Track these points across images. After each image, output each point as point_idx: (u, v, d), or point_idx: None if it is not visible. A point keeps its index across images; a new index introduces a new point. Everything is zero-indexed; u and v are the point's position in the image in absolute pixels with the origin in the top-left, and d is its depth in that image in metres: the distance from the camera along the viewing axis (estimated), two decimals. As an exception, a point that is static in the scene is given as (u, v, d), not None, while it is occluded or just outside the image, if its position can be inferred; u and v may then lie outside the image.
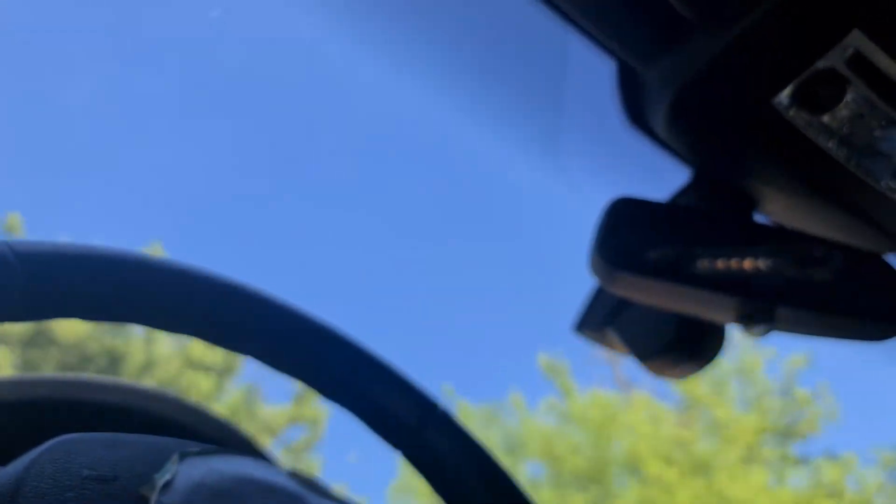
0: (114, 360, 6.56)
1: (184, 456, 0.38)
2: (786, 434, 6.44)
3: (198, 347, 6.55)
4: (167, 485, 0.36)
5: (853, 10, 0.42)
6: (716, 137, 0.50)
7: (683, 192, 0.55)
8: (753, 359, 6.48)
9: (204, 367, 6.84)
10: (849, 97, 0.45)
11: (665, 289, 0.48)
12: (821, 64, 0.44)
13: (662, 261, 0.47)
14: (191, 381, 6.68)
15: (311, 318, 0.49)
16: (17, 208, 6.47)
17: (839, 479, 6.19)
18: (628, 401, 6.60)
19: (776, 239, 0.50)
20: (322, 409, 7.05)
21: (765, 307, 0.49)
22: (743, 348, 6.42)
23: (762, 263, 0.49)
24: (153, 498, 0.35)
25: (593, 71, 0.50)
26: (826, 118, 0.46)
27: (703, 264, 0.48)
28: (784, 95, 0.45)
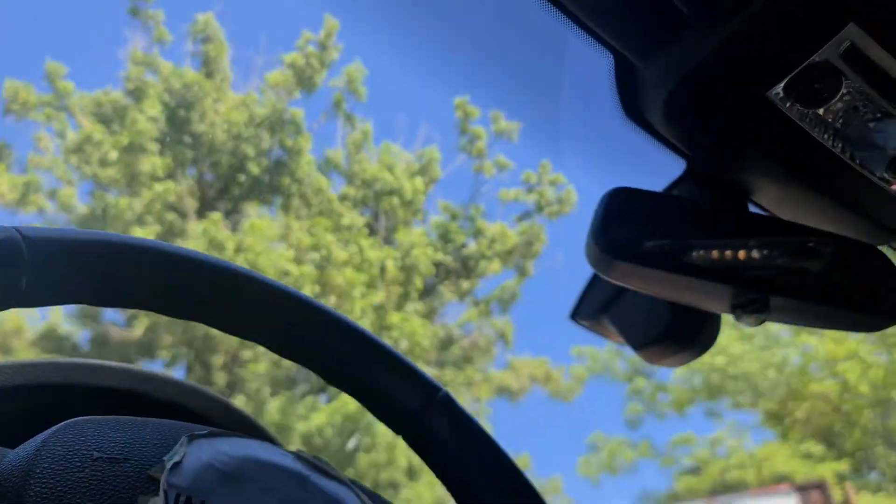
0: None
1: (192, 438, 0.39)
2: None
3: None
4: (176, 466, 0.37)
5: (849, 5, 0.42)
6: (712, 130, 0.51)
7: (679, 184, 0.55)
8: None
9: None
10: (844, 90, 0.46)
11: (660, 278, 0.49)
12: (816, 57, 0.44)
13: (658, 250, 0.48)
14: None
15: (316, 305, 0.50)
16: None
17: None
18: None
19: (770, 229, 0.51)
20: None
21: (758, 297, 0.49)
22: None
23: (756, 253, 0.50)
24: (162, 479, 0.36)
25: (591, 63, 0.51)
26: (821, 111, 0.47)
27: (698, 254, 0.49)
28: (780, 89, 0.46)
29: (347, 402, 5.99)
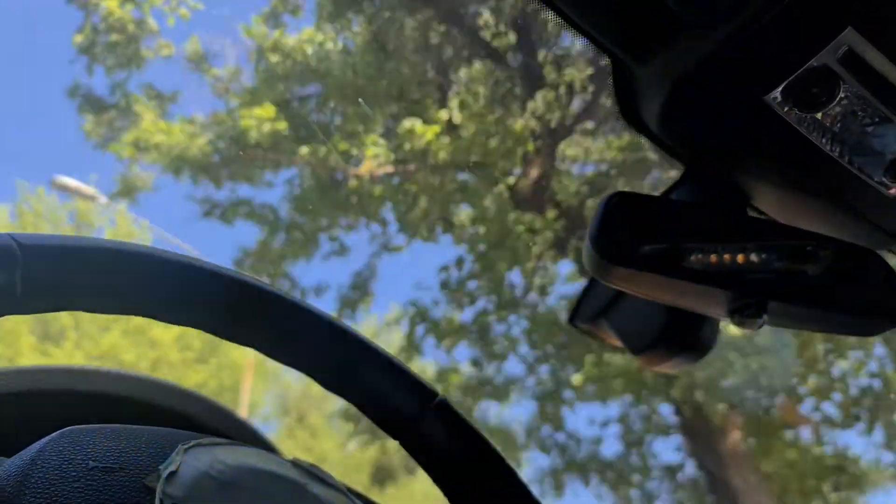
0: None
1: (188, 447, 0.39)
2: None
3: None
4: (172, 475, 0.37)
5: (847, 9, 0.42)
6: (709, 134, 0.50)
7: (677, 187, 0.55)
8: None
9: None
10: (842, 94, 0.46)
11: (658, 282, 0.49)
12: (814, 62, 0.44)
13: (656, 255, 0.48)
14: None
15: (311, 309, 0.50)
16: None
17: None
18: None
19: (769, 234, 0.51)
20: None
21: (757, 301, 0.49)
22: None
23: (754, 258, 0.49)
24: (158, 488, 0.36)
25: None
26: (819, 115, 0.47)
27: (696, 258, 0.48)
28: (777, 93, 0.45)
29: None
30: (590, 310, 0.63)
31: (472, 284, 6.34)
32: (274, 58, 6.00)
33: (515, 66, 5.94)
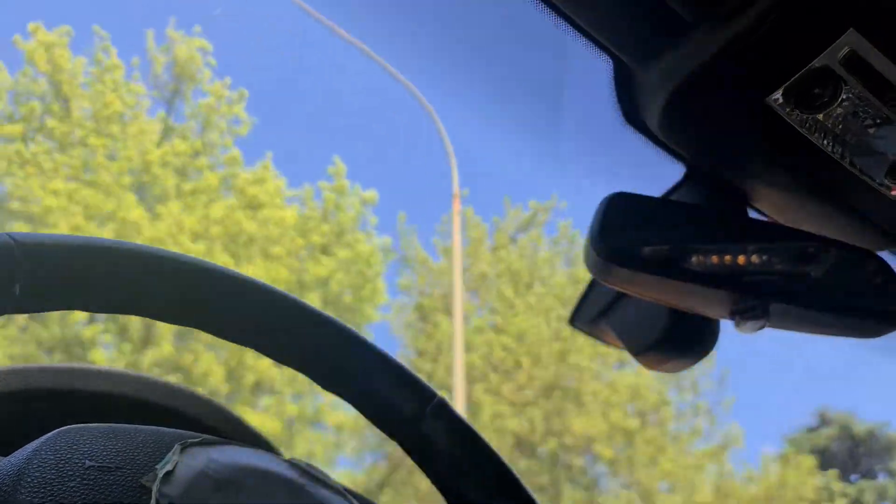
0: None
1: (185, 446, 0.39)
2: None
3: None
4: (168, 475, 0.36)
5: (848, 10, 0.42)
6: (711, 135, 0.50)
7: (678, 189, 0.55)
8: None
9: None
10: (843, 96, 0.45)
11: (659, 284, 0.48)
12: (816, 63, 0.44)
13: (657, 256, 0.48)
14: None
15: (311, 309, 0.50)
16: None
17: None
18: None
19: (770, 235, 0.50)
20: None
21: (758, 302, 0.49)
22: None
23: (756, 259, 0.49)
24: (155, 488, 0.35)
25: (591, 68, 0.51)
26: (821, 116, 0.47)
27: (697, 260, 0.48)
28: (779, 94, 0.45)
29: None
30: (590, 311, 0.63)
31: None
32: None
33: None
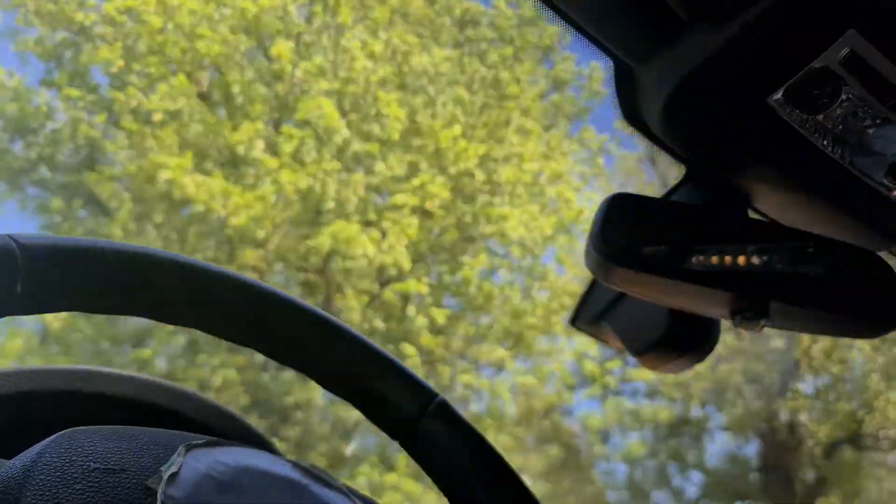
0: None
1: (189, 448, 0.39)
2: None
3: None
4: (173, 476, 0.37)
5: (848, 11, 0.42)
6: (711, 135, 0.51)
7: (679, 189, 0.55)
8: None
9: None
10: (843, 96, 0.46)
11: (660, 284, 0.49)
12: (816, 63, 0.44)
13: (658, 256, 0.48)
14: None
15: (312, 310, 0.50)
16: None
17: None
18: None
19: (770, 235, 0.51)
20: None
21: (758, 302, 0.49)
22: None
23: (756, 259, 0.49)
24: (160, 489, 0.35)
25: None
26: (821, 117, 0.47)
27: (697, 260, 0.49)
28: (779, 94, 0.45)
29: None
30: (591, 311, 0.63)
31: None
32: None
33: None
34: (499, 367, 6.05)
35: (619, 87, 0.51)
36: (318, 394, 5.36)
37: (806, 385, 6.12)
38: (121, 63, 5.57)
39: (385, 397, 0.51)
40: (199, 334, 0.52)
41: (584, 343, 5.78)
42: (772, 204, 0.55)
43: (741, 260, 0.49)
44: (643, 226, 0.49)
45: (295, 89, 5.86)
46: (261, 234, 5.55)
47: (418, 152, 5.97)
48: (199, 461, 0.38)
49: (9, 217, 5.46)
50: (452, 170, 5.93)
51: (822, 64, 0.44)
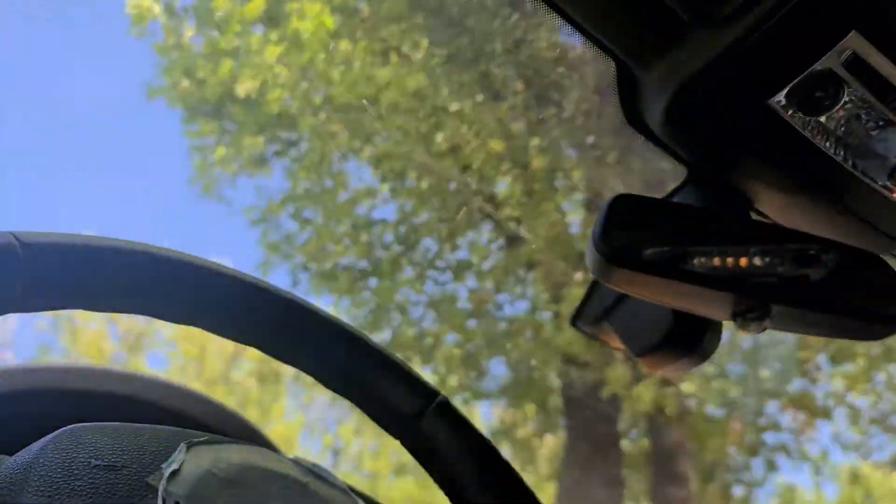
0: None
1: (191, 445, 0.39)
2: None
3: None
4: (174, 474, 0.37)
5: (851, 13, 0.42)
6: (713, 137, 0.51)
7: (681, 190, 0.55)
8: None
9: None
10: (846, 98, 0.46)
11: (662, 285, 0.49)
12: (818, 66, 0.44)
13: (659, 257, 0.48)
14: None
15: (313, 308, 0.50)
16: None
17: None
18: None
19: (772, 237, 0.51)
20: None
21: (760, 304, 0.49)
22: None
23: (758, 261, 0.49)
24: (161, 486, 0.36)
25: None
26: (823, 119, 0.47)
27: (699, 261, 0.49)
28: (781, 96, 0.45)
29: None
30: (593, 312, 0.63)
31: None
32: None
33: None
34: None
35: (621, 89, 0.51)
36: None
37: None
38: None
39: (386, 397, 0.51)
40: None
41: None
42: (774, 206, 0.55)
43: (743, 262, 0.49)
44: (645, 227, 0.49)
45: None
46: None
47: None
48: (200, 458, 0.38)
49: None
50: None
51: (824, 66, 0.44)
